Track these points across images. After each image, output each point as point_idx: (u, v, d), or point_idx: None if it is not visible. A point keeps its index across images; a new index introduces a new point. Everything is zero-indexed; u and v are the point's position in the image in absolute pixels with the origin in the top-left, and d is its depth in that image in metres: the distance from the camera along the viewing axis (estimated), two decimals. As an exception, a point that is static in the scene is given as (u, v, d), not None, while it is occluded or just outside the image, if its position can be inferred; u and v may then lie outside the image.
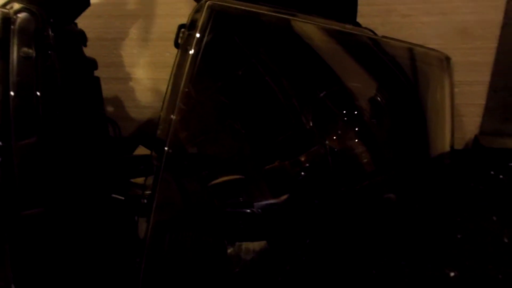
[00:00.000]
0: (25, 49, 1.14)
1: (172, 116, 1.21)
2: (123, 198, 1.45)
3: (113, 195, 1.46)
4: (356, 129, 1.50)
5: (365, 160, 1.50)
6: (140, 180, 1.57)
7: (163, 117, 1.25)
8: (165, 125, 1.23)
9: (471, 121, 2.16)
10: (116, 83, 1.93)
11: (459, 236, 1.64)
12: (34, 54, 1.15)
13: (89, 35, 1.51)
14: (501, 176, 2.01)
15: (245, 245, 1.36)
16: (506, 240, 1.63)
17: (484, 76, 2.06)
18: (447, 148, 1.67)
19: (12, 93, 1.12)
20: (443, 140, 1.67)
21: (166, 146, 1.19)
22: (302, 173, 1.40)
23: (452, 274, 1.47)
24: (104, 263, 1.35)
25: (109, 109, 2.05)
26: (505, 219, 1.74)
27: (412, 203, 1.58)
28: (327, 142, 1.45)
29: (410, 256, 1.52)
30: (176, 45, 1.26)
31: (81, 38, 1.52)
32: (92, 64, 1.55)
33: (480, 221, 1.72)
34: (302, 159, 1.40)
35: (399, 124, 1.59)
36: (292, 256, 1.38)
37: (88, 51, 1.53)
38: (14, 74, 1.13)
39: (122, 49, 2.06)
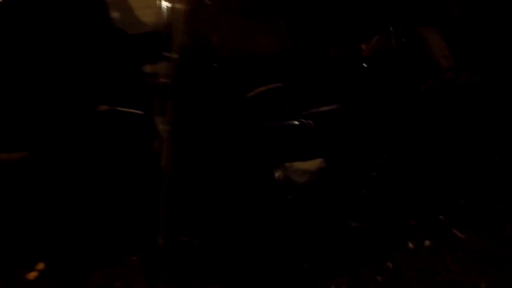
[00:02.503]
0: None
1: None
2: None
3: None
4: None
5: (443, 53, 1.17)
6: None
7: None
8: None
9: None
10: None
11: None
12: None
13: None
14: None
15: (297, 165, 1.07)
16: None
17: None
18: None
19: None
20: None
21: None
22: (364, 64, 1.06)
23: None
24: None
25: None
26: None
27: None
28: (391, 28, 1.11)
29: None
30: None
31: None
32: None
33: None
34: (363, 46, 1.07)
35: None
36: (364, 176, 1.07)
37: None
38: None
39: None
